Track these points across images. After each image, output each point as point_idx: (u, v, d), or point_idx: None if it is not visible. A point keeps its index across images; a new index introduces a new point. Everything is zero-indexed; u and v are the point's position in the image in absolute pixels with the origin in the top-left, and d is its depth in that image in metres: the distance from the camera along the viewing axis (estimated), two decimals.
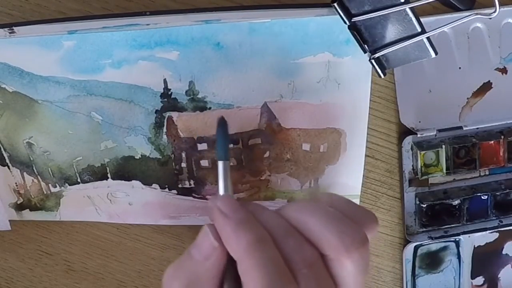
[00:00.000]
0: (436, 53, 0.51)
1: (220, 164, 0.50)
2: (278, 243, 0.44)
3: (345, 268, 0.44)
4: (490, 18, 0.50)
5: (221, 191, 0.50)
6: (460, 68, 0.60)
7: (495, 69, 0.61)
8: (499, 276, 0.69)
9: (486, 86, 0.61)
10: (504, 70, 0.61)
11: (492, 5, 0.49)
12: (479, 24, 0.58)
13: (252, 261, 0.42)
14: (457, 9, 0.57)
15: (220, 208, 0.46)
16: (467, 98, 0.62)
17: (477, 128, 0.63)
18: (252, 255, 0.43)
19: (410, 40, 0.50)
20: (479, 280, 0.69)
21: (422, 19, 0.50)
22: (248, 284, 0.42)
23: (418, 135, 0.62)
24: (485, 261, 0.68)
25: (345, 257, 0.43)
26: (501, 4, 0.50)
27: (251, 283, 0.42)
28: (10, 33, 0.53)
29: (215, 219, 0.46)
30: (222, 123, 0.52)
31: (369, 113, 0.59)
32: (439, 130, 0.62)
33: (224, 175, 0.50)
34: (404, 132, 0.62)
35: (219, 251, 0.45)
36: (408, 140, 0.62)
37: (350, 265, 0.44)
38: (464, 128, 0.62)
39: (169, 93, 0.56)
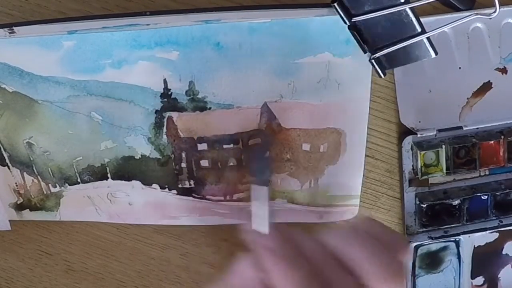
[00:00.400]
0: (436, 53, 0.51)
1: (257, 189, 0.49)
2: (323, 274, 0.45)
3: None
4: (490, 18, 0.50)
5: (258, 220, 0.48)
6: (460, 68, 0.60)
7: (495, 69, 0.61)
8: (499, 276, 0.69)
9: (486, 86, 0.61)
10: (504, 70, 0.61)
11: (492, 5, 0.49)
12: (479, 24, 0.58)
13: None
14: (457, 9, 0.57)
15: (266, 244, 0.47)
16: (467, 98, 0.62)
17: (477, 128, 0.63)
18: None
19: (410, 40, 0.50)
20: (479, 280, 0.69)
21: (422, 19, 0.50)
22: None
23: (418, 135, 0.62)
24: (485, 261, 0.68)
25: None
26: (501, 4, 0.49)
27: None
28: (10, 33, 0.53)
29: (264, 256, 0.47)
30: (262, 149, 0.50)
31: (369, 113, 0.59)
32: (439, 130, 0.62)
33: (263, 202, 0.49)
34: (404, 132, 0.62)
35: (257, 282, 0.47)
36: (408, 140, 0.62)
37: None
38: (464, 128, 0.62)
39: (169, 93, 0.56)
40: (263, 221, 0.48)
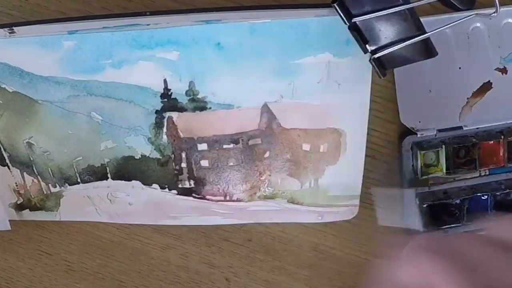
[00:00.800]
0: (436, 54, 0.51)
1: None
2: (489, 269, 0.39)
3: None
4: (490, 19, 0.50)
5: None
6: (460, 68, 0.60)
7: (495, 69, 0.61)
8: None
9: (486, 86, 0.61)
10: (504, 70, 0.61)
11: (492, 5, 0.49)
12: (479, 24, 0.58)
13: None
14: (457, 9, 0.57)
15: (422, 244, 0.42)
16: (467, 98, 0.62)
17: (477, 128, 0.63)
18: None
19: (411, 41, 0.50)
20: None
21: (422, 19, 0.50)
22: None
23: (418, 135, 0.62)
24: None
25: None
26: (501, 4, 0.49)
27: None
28: (10, 33, 0.53)
29: (419, 254, 0.41)
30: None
31: (369, 113, 0.59)
32: (439, 130, 0.62)
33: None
34: (404, 132, 0.62)
35: None
36: (408, 140, 0.62)
37: None
38: (464, 128, 0.62)
39: (169, 93, 0.56)
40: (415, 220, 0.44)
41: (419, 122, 0.62)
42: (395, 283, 0.41)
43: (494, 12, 0.49)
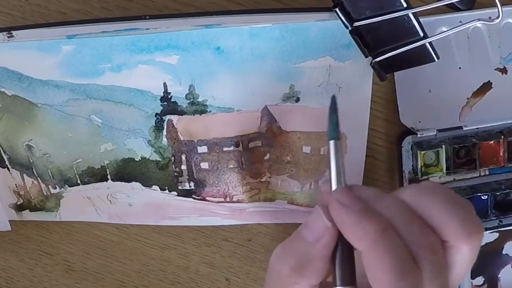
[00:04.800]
0: (438, 58, 0.51)
1: (332, 144, 0.45)
2: (401, 230, 0.42)
3: (462, 255, 0.43)
4: (493, 24, 0.50)
5: (333, 176, 0.45)
6: (460, 68, 0.60)
7: (495, 69, 0.60)
8: (499, 276, 0.69)
9: (486, 86, 0.61)
10: (504, 70, 0.61)
11: (493, 5, 0.49)
12: (479, 25, 0.58)
13: (380, 252, 0.41)
14: (457, 9, 0.57)
15: (340, 200, 0.43)
16: (467, 98, 0.61)
17: (477, 128, 0.63)
18: (379, 245, 0.41)
19: (412, 45, 0.50)
20: (479, 280, 0.69)
21: (422, 19, 0.50)
22: (375, 274, 0.41)
23: (418, 135, 0.62)
24: (485, 261, 0.68)
25: (465, 244, 0.42)
26: (501, 4, 0.49)
27: (379, 273, 0.41)
28: (9, 37, 0.53)
29: (335, 211, 0.43)
30: (334, 100, 0.49)
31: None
32: (439, 130, 0.62)
33: (336, 157, 0.45)
34: (404, 132, 0.62)
35: (331, 232, 0.43)
36: (408, 140, 0.62)
37: (467, 252, 0.42)
38: (464, 128, 0.62)
39: (169, 96, 0.56)
40: (339, 179, 0.46)
41: (419, 122, 0.62)
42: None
43: (496, 18, 0.49)
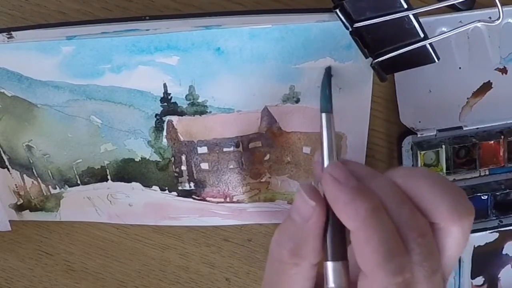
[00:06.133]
0: (438, 59, 0.50)
1: (323, 116, 0.45)
2: (391, 210, 0.42)
3: (453, 237, 0.43)
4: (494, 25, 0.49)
5: (325, 149, 0.45)
6: (460, 68, 0.60)
7: (495, 69, 0.60)
8: (499, 276, 0.70)
9: (486, 86, 0.61)
10: (504, 70, 0.61)
11: (493, 5, 0.49)
12: (479, 25, 0.58)
13: (370, 231, 0.41)
14: (457, 9, 0.57)
15: (333, 174, 0.44)
16: (467, 98, 0.61)
17: (477, 128, 0.63)
18: (369, 224, 0.41)
19: (412, 46, 0.49)
20: (479, 280, 0.69)
21: (422, 19, 0.50)
22: (364, 253, 0.41)
23: (418, 135, 0.62)
24: (485, 261, 0.68)
25: (455, 226, 0.42)
26: (501, 4, 0.49)
27: (367, 252, 0.41)
28: (8, 38, 0.53)
29: (328, 186, 0.44)
30: (328, 72, 0.48)
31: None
32: (439, 130, 0.62)
33: (328, 130, 0.45)
34: (404, 132, 0.62)
35: (318, 210, 0.44)
36: (408, 140, 0.62)
37: (458, 234, 0.43)
38: (464, 128, 0.62)
39: (169, 97, 0.56)
40: (330, 151, 0.46)
41: (419, 122, 0.62)
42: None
43: (497, 19, 0.49)
